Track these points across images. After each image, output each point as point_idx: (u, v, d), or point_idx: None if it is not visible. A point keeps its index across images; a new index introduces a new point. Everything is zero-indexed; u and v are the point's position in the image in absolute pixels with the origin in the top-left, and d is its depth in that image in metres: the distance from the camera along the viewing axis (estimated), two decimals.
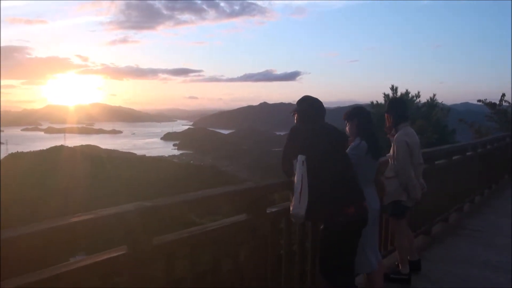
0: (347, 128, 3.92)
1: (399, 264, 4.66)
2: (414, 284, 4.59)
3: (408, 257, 4.78)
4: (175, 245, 2.57)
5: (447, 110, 15.38)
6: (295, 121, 3.53)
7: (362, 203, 3.34)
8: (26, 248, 1.99)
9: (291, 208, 3.18)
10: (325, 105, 3.59)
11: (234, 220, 3.02)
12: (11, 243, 1.87)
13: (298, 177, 3.15)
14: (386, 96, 15.51)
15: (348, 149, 3.68)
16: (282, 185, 3.49)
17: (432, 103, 15.26)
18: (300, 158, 3.18)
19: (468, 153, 7.94)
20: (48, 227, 2.04)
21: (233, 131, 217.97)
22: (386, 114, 4.67)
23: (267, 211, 3.23)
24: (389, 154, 4.56)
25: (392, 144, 4.52)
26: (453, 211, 7.35)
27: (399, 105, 4.79)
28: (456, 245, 5.96)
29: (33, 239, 2.01)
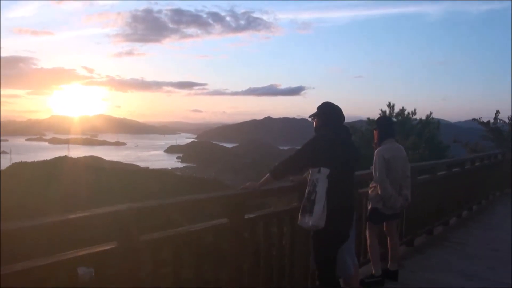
0: None
1: (372, 268, 4.97)
2: None
3: (388, 266, 5.10)
4: (160, 242, 2.88)
5: (437, 124, 15.62)
6: (314, 125, 3.66)
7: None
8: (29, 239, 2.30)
9: (310, 218, 3.37)
10: None
11: (215, 223, 3.30)
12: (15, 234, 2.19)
13: (322, 190, 3.34)
14: (383, 112, 15.92)
15: None
16: (262, 193, 3.78)
17: (427, 121, 15.58)
18: (325, 171, 3.37)
19: (454, 169, 8.17)
20: (49, 221, 2.36)
21: (237, 144, 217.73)
22: (374, 130, 5.10)
23: (245, 217, 3.49)
24: (372, 166, 4.93)
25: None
26: (438, 224, 7.54)
27: (384, 123, 5.24)
28: (436, 256, 6.18)
29: (33, 232, 2.33)
